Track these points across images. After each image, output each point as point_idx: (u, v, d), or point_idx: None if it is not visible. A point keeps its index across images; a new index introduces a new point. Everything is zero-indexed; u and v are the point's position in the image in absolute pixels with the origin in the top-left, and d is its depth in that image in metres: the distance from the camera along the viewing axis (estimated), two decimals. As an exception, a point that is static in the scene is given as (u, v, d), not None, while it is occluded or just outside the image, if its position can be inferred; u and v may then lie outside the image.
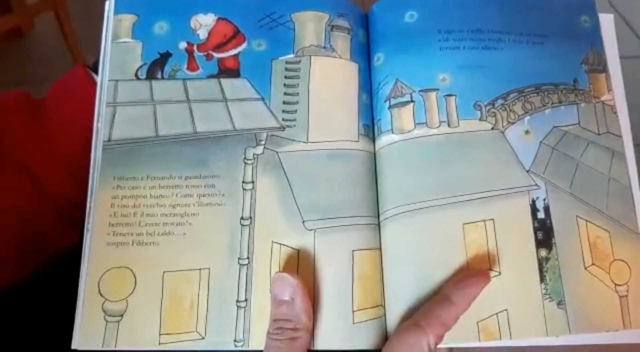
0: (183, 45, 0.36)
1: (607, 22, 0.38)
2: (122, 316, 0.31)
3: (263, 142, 0.34)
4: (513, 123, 0.35)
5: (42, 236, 0.38)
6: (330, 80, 0.36)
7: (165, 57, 0.35)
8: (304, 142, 0.34)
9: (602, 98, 0.37)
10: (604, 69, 0.37)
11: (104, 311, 0.31)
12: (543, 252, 0.33)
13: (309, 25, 0.36)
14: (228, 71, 0.35)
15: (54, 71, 0.41)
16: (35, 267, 0.39)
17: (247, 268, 0.32)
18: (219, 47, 0.36)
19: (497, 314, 0.32)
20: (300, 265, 0.32)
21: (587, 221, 0.34)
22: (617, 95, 0.37)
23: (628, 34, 1.58)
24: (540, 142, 0.35)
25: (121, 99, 0.34)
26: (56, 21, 1.41)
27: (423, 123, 0.35)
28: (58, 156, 0.38)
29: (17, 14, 1.37)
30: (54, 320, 0.32)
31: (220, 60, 0.36)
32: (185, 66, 0.35)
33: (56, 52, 1.49)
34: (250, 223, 0.32)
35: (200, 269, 0.32)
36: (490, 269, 0.32)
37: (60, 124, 0.39)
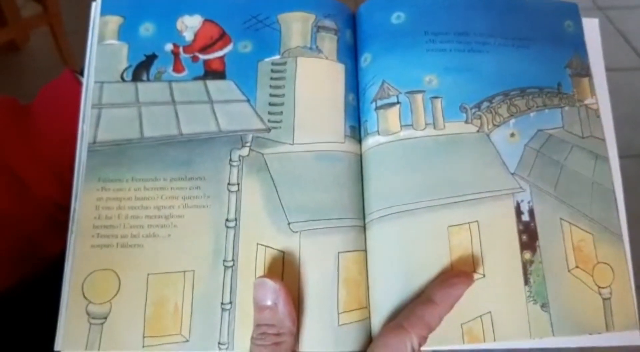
0: (169, 47, 0.36)
1: (591, 27, 0.38)
2: (105, 318, 0.31)
3: (249, 144, 0.34)
4: (498, 126, 0.35)
5: (30, 240, 0.38)
6: (316, 81, 0.36)
7: (151, 59, 0.35)
8: (290, 143, 0.34)
9: (586, 102, 0.37)
10: (587, 73, 0.37)
11: (88, 313, 0.31)
12: (527, 255, 0.33)
13: (295, 26, 0.36)
14: (214, 73, 0.35)
15: (48, 85, 0.41)
16: (25, 273, 0.38)
17: (232, 270, 0.32)
18: (205, 49, 0.36)
19: (481, 316, 0.32)
20: (286, 267, 0.32)
21: (571, 223, 0.34)
22: (601, 99, 0.37)
23: (624, 46, 1.58)
24: (525, 145, 0.35)
25: (106, 101, 0.34)
26: (51, 35, 1.42)
27: (409, 125, 0.35)
28: (44, 158, 0.38)
29: (12, 28, 1.39)
30: (45, 327, 0.32)
31: (206, 62, 0.36)
32: (171, 68, 0.35)
33: (51, 65, 1.49)
34: (235, 225, 0.32)
35: (184, 272, 0.32)
36: (475, 272, 0.32)
37: (46, 127, 0.38)
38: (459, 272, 0.32)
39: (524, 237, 0.33)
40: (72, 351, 0.30)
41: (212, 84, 0.35)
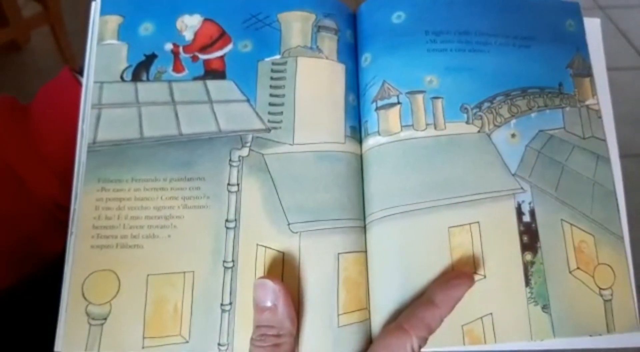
0: (169, 46, 0.36)
1: (593, 26, 0.38)
2: (105, 319, 0.31)
3: (248, 144, 0.34)
4: (499, 126, 0.35)
5: (30, 239, 0.38)
6: (316, 81, 0.35)
7: (150, 58, 0.35)
8: (290, 144, 0.34)
9: (587, 102, 0.37)
10: (588, 73, 0.37)
11: (88, 314, 0.30)
12: (528, 256, 0.33)
13: (295, 26, 0.36)
14: (214, 73, 0.35)
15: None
16: (25, 272, 0.38)
17: (232, 271, 0.32)
18: (205, 49, 0.36)
19: (482, 318, 0.32)
20: (285, 268, 0.32)
21: (572, 224, 0.34)
22: (602, 99, 0.37)
23: (625, 45, 1.58)
24: (526, 145, 0.35)
25: (106, 101, 0.34)
26: (52, 35, 1.42)
27: (410, 125, 0.34)
28: (44, 158, 0.38)
29: (13, 28, 1.39)
30: (45, 327, 0.32)
31: (206, 61, 0.35)
32: (171, 68, 0.35)
33: (52, 65, 1.50)
34: (235, 226, 0.32)
35: (184, 272, 0.31)
36: (476, 273, 0.32)
37: (46, 126, 0.38)
38: (459, 273, 0.31)
39: (525, 238, 0.33)
40: None
41: (212, 84, 0.35)
